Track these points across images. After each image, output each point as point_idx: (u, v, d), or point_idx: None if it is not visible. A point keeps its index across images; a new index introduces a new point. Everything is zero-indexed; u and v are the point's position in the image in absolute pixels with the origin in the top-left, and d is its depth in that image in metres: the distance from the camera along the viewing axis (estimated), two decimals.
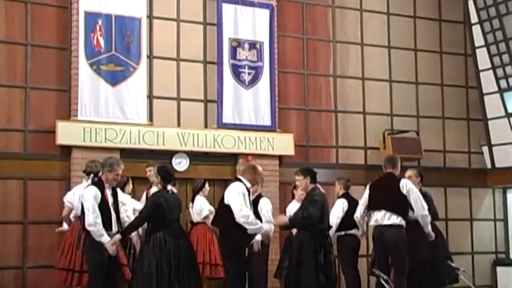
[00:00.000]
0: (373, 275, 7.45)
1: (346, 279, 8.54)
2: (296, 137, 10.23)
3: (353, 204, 8.15)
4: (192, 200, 8.54)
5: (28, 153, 8.76)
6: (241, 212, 6.55)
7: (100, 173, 6.90)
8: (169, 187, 6.97)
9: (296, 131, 10.33)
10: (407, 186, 7.26)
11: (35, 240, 8.64)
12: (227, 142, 9.66)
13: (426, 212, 7.29)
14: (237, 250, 6.71)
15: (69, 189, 8.32)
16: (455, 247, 11.03)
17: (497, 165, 11.49)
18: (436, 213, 8.07)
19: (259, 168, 7.11)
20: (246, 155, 9.75)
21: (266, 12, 10.17)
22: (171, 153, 9.38)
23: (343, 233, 8.38)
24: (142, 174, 8.89)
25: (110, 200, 6.56)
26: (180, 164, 9.40)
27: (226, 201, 6.72)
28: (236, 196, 6.63)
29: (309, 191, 7.24)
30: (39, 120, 8.87)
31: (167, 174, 6.93)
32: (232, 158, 9.78)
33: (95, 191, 6.44)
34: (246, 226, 6.60)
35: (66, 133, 8.76)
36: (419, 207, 7.21)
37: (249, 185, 6.87)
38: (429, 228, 7.39)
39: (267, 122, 9.99)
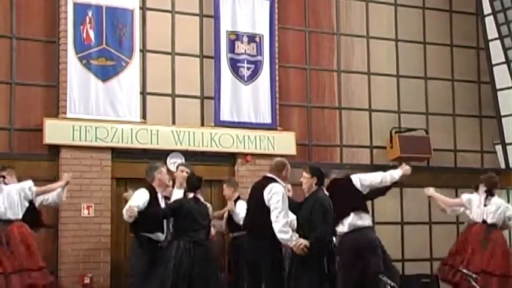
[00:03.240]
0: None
1: None
2: (298, 136, 10.19)
3: None
4: None
5: (14, 153, 8.72)
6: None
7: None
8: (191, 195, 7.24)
9: (298, 129, 10.30)
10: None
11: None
12: (225, 141, 9.62)
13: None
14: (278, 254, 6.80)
15: None
16: None
17: (511, 165, 11.47)
18: None
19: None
20: (245, 154, 9.72)
21: (266, 4, 10.14)
22: (165, 153, 9.34)
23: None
24: (135, 175, 8.84)
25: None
26: (175, 164, 9.31)
27: (269, 205, 6.63)
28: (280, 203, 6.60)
29: (312, 192, 6.99)
30: (25, 118, 8.82)
31: (197, 182, 7.24)
32: (230, 158, 9.74)
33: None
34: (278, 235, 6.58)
35: (54, 132, 8.71)
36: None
37: (284, 185, 6.84)
38: None
39: (267, 119, 9.96)
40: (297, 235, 6.62)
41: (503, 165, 11.61)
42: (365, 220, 7.29)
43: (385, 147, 10.81)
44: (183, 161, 9.36)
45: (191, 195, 7.20)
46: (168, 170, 8.64)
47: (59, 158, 8.77)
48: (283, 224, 6.53)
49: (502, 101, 11.48)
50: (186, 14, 9.85)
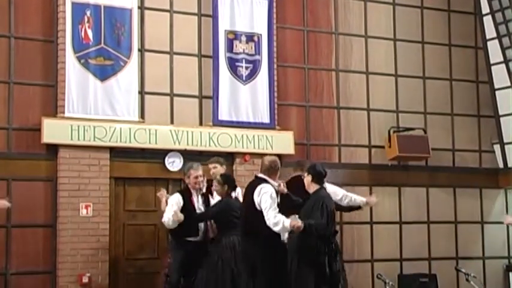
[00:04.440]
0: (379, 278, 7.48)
1: None
2: (296, 135, 10.24)
3: None
4: None
5: (12, 152, 8.74)
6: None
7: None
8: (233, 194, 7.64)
9: (296, 129, 10.34)
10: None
11: (19, 245, 8.63)
12: (223, 140, 9.67)
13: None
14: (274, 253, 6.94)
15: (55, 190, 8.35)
16: (465, 251, 11.10)
17: (509, 164, 11.49)
18: None
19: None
20: (244, 154, 9.77)
21: (264, 3, 10.18)
22: (163, 152, 9.38)
23: None
24: (134, 174, 8.94)
25: (197, 205, 7.52)
26: (174, 164, 9.40)
27: (258, 207, 6.85)
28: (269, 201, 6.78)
29: (315, 190, 7.02)
30: (23, 117, 8.84)
31: (231, 181, 7.66)
32: (228, 158, 9.75)
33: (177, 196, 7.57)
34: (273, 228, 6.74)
35: (52, 131, 8.75)
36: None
37: (276, 185, 7.02)
38: None
39: (266, 119, 10.00)
40: (286, 219, 6.66)
41: (501, 165, 11.66)
42: None
43: (383, 147, 10.86)
44: (182, 160, 9.42)
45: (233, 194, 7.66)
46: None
47: (57, 158, 8.81)
48: (272, 216, 6.67)
49: (500, 101, 11.52)
50: (185, 13, 9.87)
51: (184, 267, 7.55)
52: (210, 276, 7.29)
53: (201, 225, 7.69)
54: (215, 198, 7.81)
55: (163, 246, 9.00)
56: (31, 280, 8.50)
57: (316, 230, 6.72)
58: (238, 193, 7.74)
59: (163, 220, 7.52)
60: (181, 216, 7.30)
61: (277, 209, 6.77)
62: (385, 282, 7.15)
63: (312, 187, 7.05)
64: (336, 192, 7.74)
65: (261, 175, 7.06)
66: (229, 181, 7.62)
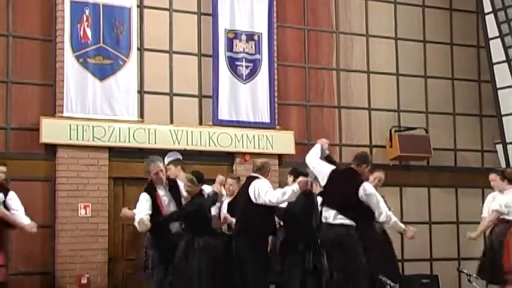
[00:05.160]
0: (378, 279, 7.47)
1: None
2: (297, 135, 10.24)
3: None
4: None
5: (10, 152, 8.74)
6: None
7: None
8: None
9: (297, 129, 10.34)
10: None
11: (18, 246, 8.60)
12: (223, 140, 9.67)
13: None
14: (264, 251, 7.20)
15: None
16: (467, 252, 11.06)
17: None
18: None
19: None
20: (244, 153, 9.77)
21: (265, 2, 10.18)
22: (163, 152, 9.33)
23: None
24: (132, 174, 8.91)
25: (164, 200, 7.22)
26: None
27: (256, 200, 7.10)
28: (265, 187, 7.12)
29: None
30: (22, 117, 8.85)
31: (202, 179, 7.51)
32: (228, 157, 9.78)
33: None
34: (276, 202, 7.04)
35: (50, 131, 8.75)
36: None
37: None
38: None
39: (266, 118, 10.00)
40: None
41: (503, 165, 11.63)
42: None
43: (384, 147, 10.86)
44: (181, 160, 9.42)
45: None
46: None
47: (55, 158, 8.81)
48: (276, 192, 7.07)
49: (503, 100, 11.50)
50: (184, 12, 9.88)
51: (165, 264, 7.25)
52: (180, 277, 7.07)
53: (175, 224, 7.37)
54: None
55: None
56: (30, 281, 8.50)
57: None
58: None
59: (135, 223, 7.19)
60: (148, 225, 7.01)
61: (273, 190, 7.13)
62: (386, 284, 7.12)
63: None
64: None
65: (253, 174, 7.44)
66: (201, 180, 7.50)
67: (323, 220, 7.15)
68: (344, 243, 6.93)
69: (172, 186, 7.43)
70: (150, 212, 7.07)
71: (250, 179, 7.35)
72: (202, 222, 7.22)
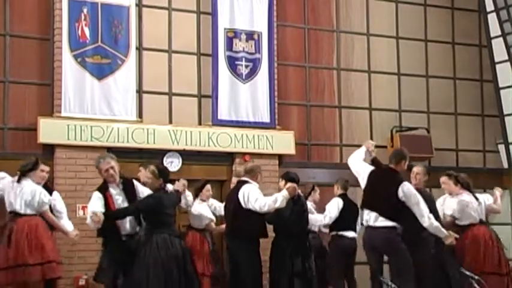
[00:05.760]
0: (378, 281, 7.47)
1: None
2: (297, 135, 10.23)
3: (350, 205, 8.61)
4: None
5: (7, 152, 8.73)
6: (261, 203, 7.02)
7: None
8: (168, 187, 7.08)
9: (297, 129, 10.33)
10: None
11: None
12: (223, 140, 9.65)
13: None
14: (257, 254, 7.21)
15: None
16: None
17: None
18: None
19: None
20: (243, 154, 9.75)
21: (265, 0, 10.17)
22: (162, 153, 9.37)
23: (334, 233, 8.68)
24: (131, 175, 8.79)
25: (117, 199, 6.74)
26: (172, 164, 9.38)
27: (245, 206, 7.10)
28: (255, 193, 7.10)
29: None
30: (19, 116, 8.84)
31: (167, 174, 7.05)
32: (228, 158, 9.77)
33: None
34: (267, 210, 7.03)
35: (48, 131, 8.73)
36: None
37: (257, 186, 7.31)
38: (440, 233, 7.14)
39: (266, 118, 9.99)
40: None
41: (506, 165, 11.64)
42: None
43: (385, 147, 10.82)
44: (181, 161, 9.41)
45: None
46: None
47: (53, 158, 8.79)
48: (267, 199, 7.01)
49: (505, 100, 11.51)
50: (183, 11, 9.87)
51: (115, 268, 6.82)
52: (141, 277, 6.62)
53: (127, 221, 6.79)
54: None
55: None
56: None
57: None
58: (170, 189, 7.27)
59: (87, 221, 6.83)
60: (101, 217, 6.51)
61: (261, 196, 7.12)
62: (387, 285, 7.11)
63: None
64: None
65: (243, 178, 7.43)
66: (164, 175, 6.96)
67: (364, 223, 7.09)
68: (387, 245, 6.86)
69: (127, 186, 6.91)
70: (103, 211, 6.61)
71: (240, 184, 7.34)
72: (161, 219, 6.74)
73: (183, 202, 7.73)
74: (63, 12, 8.94)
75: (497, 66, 11.61)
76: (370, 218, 6.95)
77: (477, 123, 11.72)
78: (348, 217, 8.60)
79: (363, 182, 7.15)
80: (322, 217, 8.74)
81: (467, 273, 7.45)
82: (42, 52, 9.02)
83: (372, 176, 7.08)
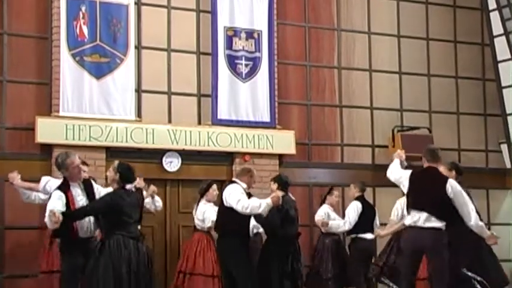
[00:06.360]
0: (381, 282, 7.45)
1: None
2: (297, 135, 10.20)
3: (368, 207, 8.84)
4: (197, 204, 8.48)
5: (5, 152, 8.72)
6: (240, 203, 7.08)
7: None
8: (128, 186, 6.66)
9: (297, 128, 10.31)
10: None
11: (13, 247, 8.60)
12: (222, 140, 9.63)
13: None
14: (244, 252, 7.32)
15: None
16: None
17: None
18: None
19: (255, 172, 7.70)
20: (243, 154, 9.73)
21: None
22: (161, 152, 9.35)
23: (354, 235, 8.84)
24: None
25: (78, 200, 6.43)
26: (171, 164, 9.38)
27: (227, 204, 7.24)
28: (237, 194, 7.22)
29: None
30: (17, 116, 8.82)
31: (129, 173, 6.65)
32: (228, 157, 9.75)
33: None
34: (249, 212, 7.12)
35: (46, 130, 8.72)
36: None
37: (245, 187, 7.40)
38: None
39: (266, 118, 9.97)
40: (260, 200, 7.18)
41: (508, 165, 11.61)
42: None
43: (387, 146, 10.81)
44: (180, 161, 9.39)
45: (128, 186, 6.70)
46: None
47: (51, 158, 8.74)
48: (250, 201, 7.10)
49: (508, 99, 11.47)
50: (183, 9, 9.85)
51: (76, 273, 6.47)
52: (91, 282, 6.36)
53: (85, 222, 6.45)
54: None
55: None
56: (25, 283, 8.44)
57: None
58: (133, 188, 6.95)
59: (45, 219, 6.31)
60: (60, 217, 6.05)
61: (240, 198, 7.15)
62: (388, 286, 7.10)
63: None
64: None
65: (233, 178, 7.73)
66: (124, 171, 6.58)
67: (410, 224, 6.84)
68: (435, 246, 6.73)
69: (87, 185, 6.62)
70: (63, 210, 6.23)
71: (228, 183, 7.57)
72: (119, 219, 6.40)
73: (151, 207, 7.74)
74: (61, 11, 8.92)
75: (500, 65, 11.58)
76: (419, 218, 6.74)
77: (479, 122, 11.70)
78: (366, 220, 8.81)
79: (404, 189, 7.05)
80: (342, 223, 8.92)
81: (469, 274, 7.44)
82: (40, 51, 9.00)
83: (413, 177, 6.95)
